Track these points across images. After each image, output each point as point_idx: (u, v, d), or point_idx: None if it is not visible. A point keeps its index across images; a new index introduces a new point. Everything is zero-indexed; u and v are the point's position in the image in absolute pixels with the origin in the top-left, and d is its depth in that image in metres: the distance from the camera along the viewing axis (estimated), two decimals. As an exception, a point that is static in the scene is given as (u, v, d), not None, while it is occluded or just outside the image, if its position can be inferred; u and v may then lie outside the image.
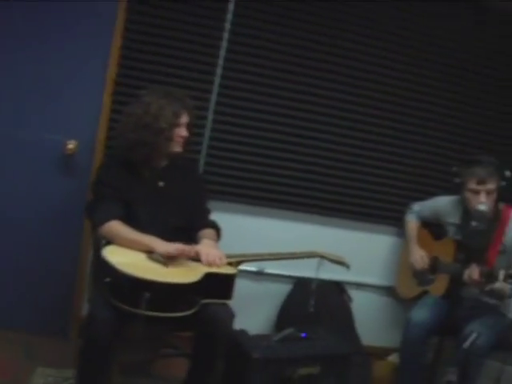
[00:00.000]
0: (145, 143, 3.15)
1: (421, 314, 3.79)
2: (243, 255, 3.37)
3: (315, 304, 3.96)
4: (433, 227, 4.21)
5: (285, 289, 4.31)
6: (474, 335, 3.30)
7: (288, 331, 3.59)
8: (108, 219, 3.10)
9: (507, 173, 3.73)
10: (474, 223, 3.48)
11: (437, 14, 4.32)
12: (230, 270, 3.11)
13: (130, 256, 2.98)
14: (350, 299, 4.38)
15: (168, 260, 2.99)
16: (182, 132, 3.26)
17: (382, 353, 4.39)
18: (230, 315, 3.08)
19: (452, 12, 4.34)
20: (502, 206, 3.87)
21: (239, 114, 4.05)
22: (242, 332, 3.56)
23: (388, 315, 4.58)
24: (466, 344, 3.24)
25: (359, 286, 4.50)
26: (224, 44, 3.92)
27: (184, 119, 3.26)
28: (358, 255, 4.24)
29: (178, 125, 3.23)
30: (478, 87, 4.52)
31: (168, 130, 3.18)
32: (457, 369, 3.33)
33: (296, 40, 4.08)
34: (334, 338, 3.73)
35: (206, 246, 3.18)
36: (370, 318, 4.51)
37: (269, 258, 3.58)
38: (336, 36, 4.16)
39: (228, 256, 3.23)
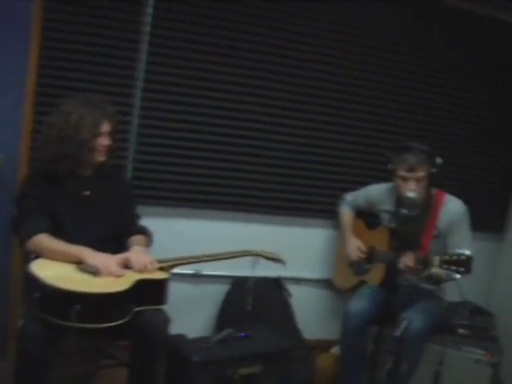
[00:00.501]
0: (67, 155, 3.11)
1: (358, 304, 3.84)
2: (176, 259, 3.37)
3: (254, 302, 3.97)
4: (367, 217, 4.26)
5: (223, 289, 4.31)
6: (405, 322, 3.35)
7: (227, 331, 3.60)
8: (35, 233, 3.05)
9: (438, 160, 3.78)
10: (403, 210, 3.52)
11: (369, 8, 4.38)
12: (161, 275, 3.11)
13: (59, 268, 2.94)
14: (289, 295, 4.40)
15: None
16: (104, 141, 3.22)
17: (324, 345, 4.44)
18: (165, 320, 3.07)
19: (385, 6, 4.41)
20: (434, 191, 3.93)
21: (165, 117, 4.02)
22: (180, 336, 3.56)
23: (328, 308, 4.62)
24: (397, 332, 3.28)
25: (298, 280, 4.53)
26: (144, 47, 3.88)
27: (105, 128, 3.21)
28: (294, 250, 4.28)
29: (99, 134, 3.18)
30: (410, 76, 4.60)
31: (90, 141, 3.14)
32: (391, 357, 3.40)
33: (218, 39, 4.06)
34: (273, 335, 3.77)
35: (135, 253, 3.16)
36: (311, 312, 4.56)
37: (202, 260, 3.56)
38: (262, 33, 4.16)
39: (160, 261, 3.22)
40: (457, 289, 3.77)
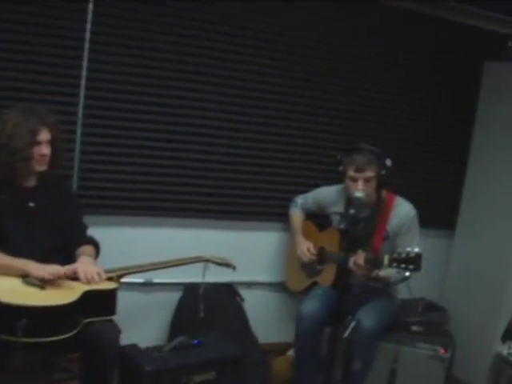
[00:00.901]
0: (2, 163, 3.07)
1: (310, 305, 3.85)
2: (125, 268, 3.35)
3: (207, 308, 3.97)
4: (317, 219, 4.28)
5: (176, 297, 4.28)
6: (353, 323, 3.38)
7: (179, 339, 3.59)
8: (-23, 247, 3.01)
9: (388, 161, 3.83)
10: (351, 211, 3.55)
11: (306, 8, 4.37)
12: (109, 285, 3.09)
13: (4, 282, 2.91)
14: (241, 299, 4.39)
15: (44, 282, 2.93)
16: (43, 150, 3.14)
17: (280, 349, 4.44)
18: (116, 331, 3.05)
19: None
20: (385, 193, 3.97)
21: (108, 125, 3.96)
22: (133, 346, 3.54)
23: (283, 311, 4.61)
24: (346, 333, 3.32)
25: (251, 285, 4.53)
26: (86, 54, 3.82)
27: (44, 136, 3.13)
28: (246, 255, 4.34)
29: (36, 143, 3.11)
30: (361, 77, 4.64)
31: (24, 150, 3.07)
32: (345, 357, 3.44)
33: (158, 43, 4.01)
34: (227, 341, 3.76)
35: (83, 264, 3.13)
36: (265, 316, 4.56)
37: (151, 268, 3.55)
38: (197, 36, 4.09)
39: (109, 271, 3.21)
40: (406, 286, 3.82)
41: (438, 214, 5.00)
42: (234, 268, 3.78)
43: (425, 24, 4.73)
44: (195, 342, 3.62)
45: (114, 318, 3.08)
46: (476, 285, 4.75)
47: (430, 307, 4.76)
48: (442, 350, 4.13)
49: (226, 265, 3.78)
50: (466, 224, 5.00)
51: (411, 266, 3.40)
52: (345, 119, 4.63)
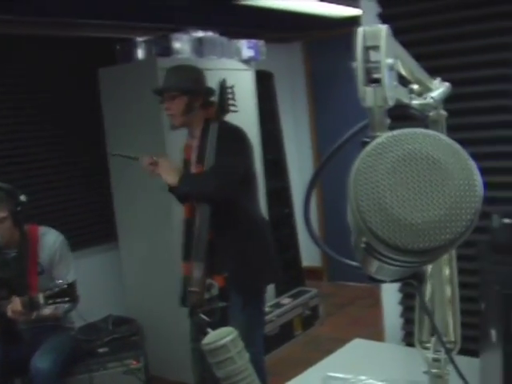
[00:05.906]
0: None
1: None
2: None
3: None
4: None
5: None
6: None
7: None
8: None
9: (22, 197, 3.74)
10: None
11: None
12: None
13: None
14: None
15: None
16: None
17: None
18: None
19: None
20: (26, 227, 3.88)
21: None
22: None
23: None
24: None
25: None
26: None
27: None
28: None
29: None
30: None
31: None
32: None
33: None
34: None
35: None
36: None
37: None
38: None
39: None
40: (75, 314, 3.79)
41: (97, 230, 5.02)
42: None
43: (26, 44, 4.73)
44: None
45: None
46: (153, 284, 4.83)
47: (120, 322, 4.79)
48: (134, 362, 4.18)
49: None
50: (124, 231, 5.06)
51: (67, 298, 3.41)
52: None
